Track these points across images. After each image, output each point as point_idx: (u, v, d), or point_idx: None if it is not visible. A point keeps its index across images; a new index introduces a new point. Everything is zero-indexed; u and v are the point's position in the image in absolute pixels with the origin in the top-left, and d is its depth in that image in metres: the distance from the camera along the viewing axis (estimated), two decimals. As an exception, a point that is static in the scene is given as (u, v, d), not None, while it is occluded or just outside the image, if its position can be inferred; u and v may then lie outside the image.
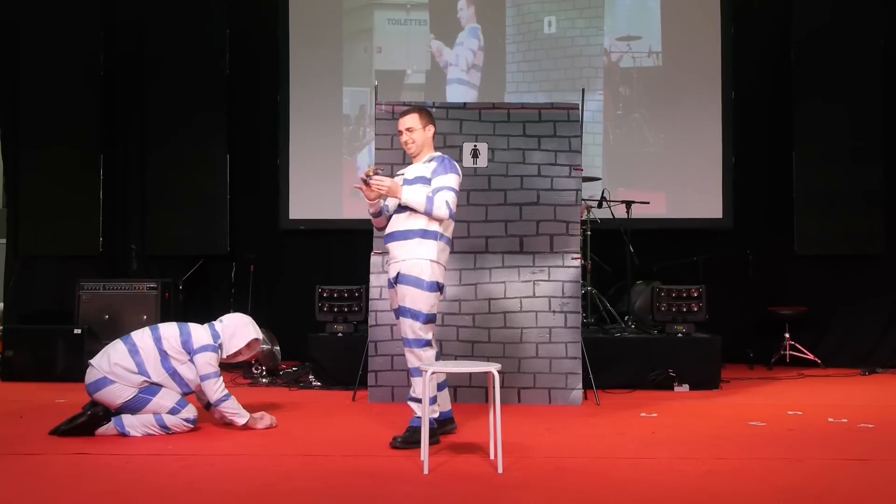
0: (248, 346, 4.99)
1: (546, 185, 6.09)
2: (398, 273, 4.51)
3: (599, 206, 7.25)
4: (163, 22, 8.20)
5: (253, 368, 6.94)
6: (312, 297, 6.93)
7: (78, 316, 7.19)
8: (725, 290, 7.61)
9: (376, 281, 6.00)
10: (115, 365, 4.70)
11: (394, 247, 4.55)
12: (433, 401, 4.40)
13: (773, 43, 8.15)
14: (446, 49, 8.30)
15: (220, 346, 4.90)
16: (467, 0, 8.36)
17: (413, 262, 4.46)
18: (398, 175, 4.79)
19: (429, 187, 4.50)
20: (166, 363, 4.77)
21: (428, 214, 4.46)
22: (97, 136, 8.09)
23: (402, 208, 4.54)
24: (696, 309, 6.63)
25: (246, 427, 4.86)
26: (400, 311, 4.52)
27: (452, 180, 4.53)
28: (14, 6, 8.07)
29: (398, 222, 4.55)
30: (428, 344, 4.49)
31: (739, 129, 8.13)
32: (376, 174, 4.49)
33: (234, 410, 4.84)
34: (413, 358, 4.50)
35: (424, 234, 4.48)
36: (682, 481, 3.83)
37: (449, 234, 4.59)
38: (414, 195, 4.45)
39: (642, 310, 7.17)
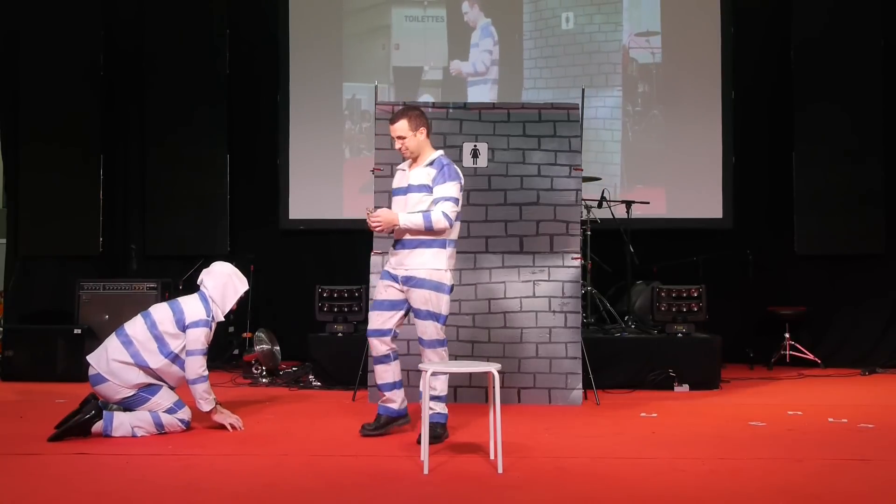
0: (238, 299, 5.07)
1: (546, 185, 6.09)
2: (410, 277, 4.62)
3: (599, 206, 7.25)
4: (163, 22, 8.20)
5: (253, 368, 6.94)
6: (312, 297, 6.93)
7: (78, 316, 7.19)
8: (725, 290, 7.61)
9: (376, 281, 5.98)
10: (111, 361, 4.70)
11: (404, 254, 4.66)
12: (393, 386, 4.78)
13: (774, 43, 8.15)
14: (463, 64, 8.31)
15: (212, 316, 4.90)
16: (468, 1, 8.36)
17: (429, 271, 4.60)
18: (398, 171, 4.86)
19: (429, 197, 4.60)
20: (165, 348, 4.76)
21: (429, 231, 4.57)
22: (97, 136, 8.09)
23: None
24: (696, 309, 6.63)
25: (208, 415, 4.85)
26: (419, 314, 4.63)
27: (452, 189, 4.61)
28: (15, 6, 8.06)
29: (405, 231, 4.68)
30: (445, 343, 4.70)
31: (739, 129, 8.13)
32: (371, 212, 4.66)
33: (205, 395, 4.82)
34: (435, 357, 4.64)
35: (430, 243, 4.61)
36: (682, 481, 3.83)
37: (454, 236, 4.71)
38: (411, 219, 4.58)
39: (642, 310, 7.17)
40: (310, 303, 6.96)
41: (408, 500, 3.60)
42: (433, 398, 4.62)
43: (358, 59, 8.42)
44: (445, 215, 4.55)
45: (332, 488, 3.72)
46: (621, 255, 7.34)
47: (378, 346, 4.72)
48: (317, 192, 8.32)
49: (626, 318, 7.10)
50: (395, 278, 4.68)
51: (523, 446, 4.46)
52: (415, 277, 4.61)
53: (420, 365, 4.43)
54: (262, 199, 8.41)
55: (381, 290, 4.74)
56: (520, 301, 5.97)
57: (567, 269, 6.00)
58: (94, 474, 3.96)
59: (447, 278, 4.64)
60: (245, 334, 7.61)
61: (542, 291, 5.98)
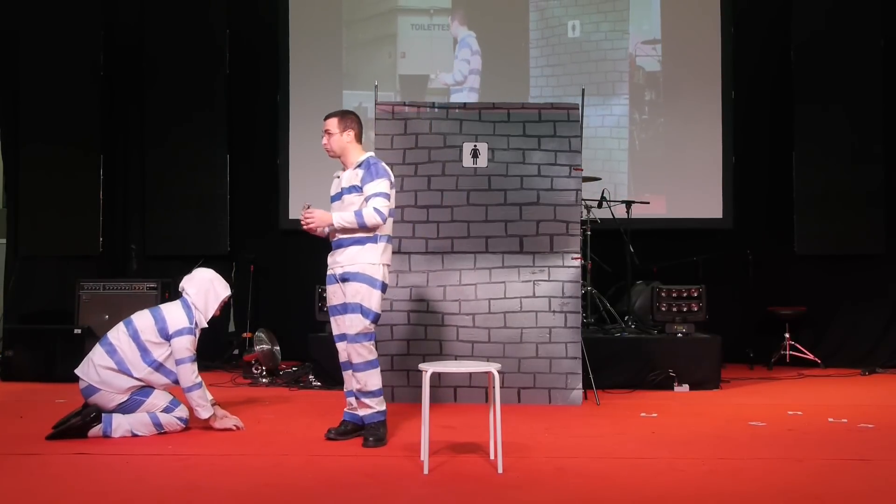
0: (221, 304, 5.00)
1: (546, 185, 6.09)
2: (345, 274, 4.60)
3: (599, 206, 7.25)
4: (163, 22, 8.21)
5: (253, 368, 6.94)
6: (312, 297, 6.93)
7: (78, 316, 7.19)
8: (725, 290, 7.62)
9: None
10: (100, 369, 4.67)
11: (338, 253, 4.66)
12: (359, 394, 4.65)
13: (774, 43, 8.16)
14: (446, 75, 8.35)
15: (196, 322, 4.86)
16: (451, 16, 8.40)
17: (361, 265, 4.58)
18: (334, 178, 4.89)
19: (360, 197, 4.62)
20: (148, 357, 4.73)
21: (363, 228, 4.57)
22: (97, 136, 8.10)
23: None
24: (696, 309, 6.63)
25: (206, 422, 4.84)
26: (348, 308, 4.58)
27: (382, 185, 4.63)
28: (15, 6, 8.07)
29: (337, 232, 4.67)
30: (372, 337, 4.62)
31: (739, 129, 8.14)
32: (307, 209, 4.65)
33: (201, 402, 4.80)
34: (365, 351, 4.56)
35: (362, 240, 4.60)
36: (682, 481, 3.83)
37: (387, 231, 4.68)
38: (343, 217, 4.58)
39: (642, 310, 7.17)
40: (310, 303, 6.96)
41: (408, 500, 3.60)
42: (365, 394, 4.56)
43: (364, 67, 8.42)
44: (377, 211, 4.55)
45: (332, 488, 3.72)
46: (621, 255, 7.34)
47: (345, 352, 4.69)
48: (317, 192, 8.28)
49: (626, 318, 7.10)
50: (336, 279, 4.68)
51: (523, 446, 4.46)
52: (349, 272, 4.59)
53: (420, 365, 4.41)
54: (262, 199, 8.42)
55: (331, 295, 4.73)
56: (520, 301, 5.97)
57: (567, 269, 6.00)
58: (94, 474, 3.96)
59: (380, 274, 4.59)
60: (245, 334, 7.61)
61: (542, 291, 5.98)
